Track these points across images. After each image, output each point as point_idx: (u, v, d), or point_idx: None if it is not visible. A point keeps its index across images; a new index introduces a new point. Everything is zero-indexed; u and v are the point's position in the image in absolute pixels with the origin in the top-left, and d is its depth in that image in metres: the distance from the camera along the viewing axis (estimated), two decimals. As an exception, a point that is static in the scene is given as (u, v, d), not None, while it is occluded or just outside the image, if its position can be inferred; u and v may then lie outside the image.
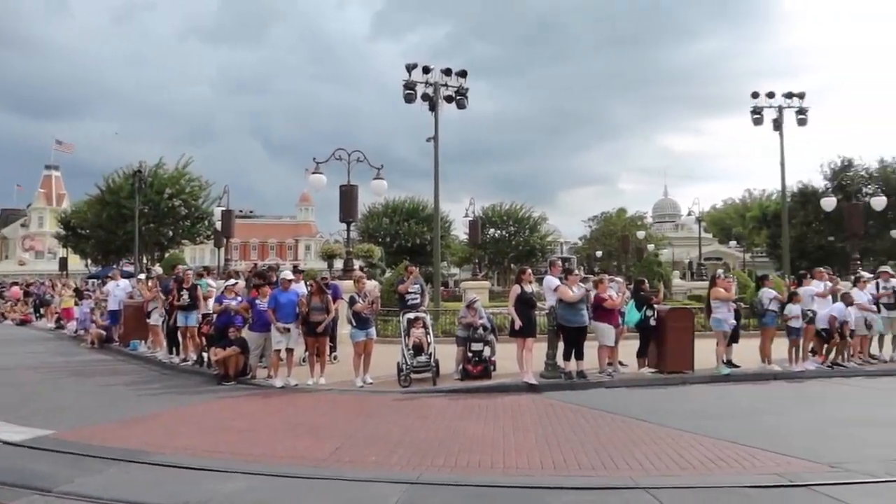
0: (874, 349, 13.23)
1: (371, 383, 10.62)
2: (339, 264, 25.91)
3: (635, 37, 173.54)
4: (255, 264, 27.04)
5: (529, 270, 11.55)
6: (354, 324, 10.90)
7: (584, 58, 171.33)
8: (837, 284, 13.75)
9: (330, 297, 11.32)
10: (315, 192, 20.72)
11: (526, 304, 10.83)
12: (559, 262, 12.47)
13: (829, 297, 12.67)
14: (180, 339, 13.30)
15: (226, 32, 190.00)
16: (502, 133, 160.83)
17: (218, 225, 26.35)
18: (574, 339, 10.82)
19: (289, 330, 10.77)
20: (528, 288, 11.01)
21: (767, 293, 12.29)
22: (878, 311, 13.07)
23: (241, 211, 68.39)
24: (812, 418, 8.20)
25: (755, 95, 23.36)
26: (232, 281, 12.99)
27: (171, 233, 42.86)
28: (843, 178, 42.23)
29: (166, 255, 39.57)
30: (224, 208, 24.67)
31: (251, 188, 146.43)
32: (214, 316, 12.00)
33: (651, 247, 54.31)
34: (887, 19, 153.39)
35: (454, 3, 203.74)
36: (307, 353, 11.52)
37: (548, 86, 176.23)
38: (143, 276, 17.84)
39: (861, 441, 6.87)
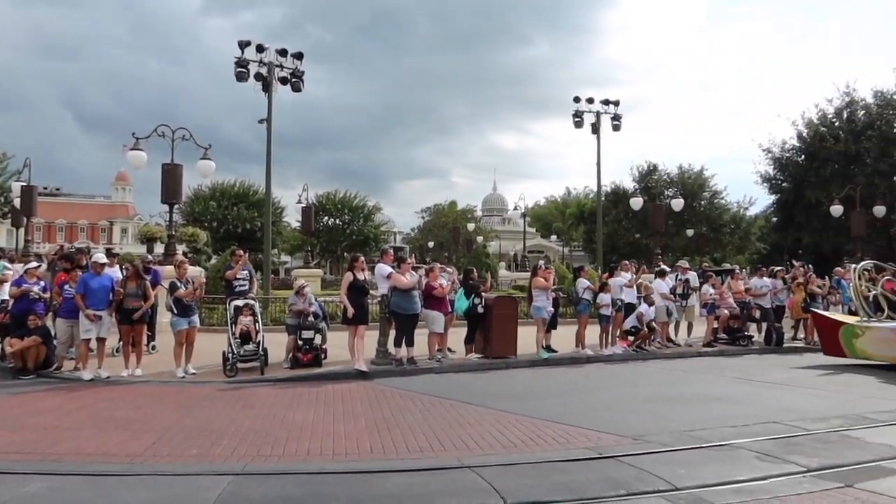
0: (671, 334, 14.79)
1: (194, 373, 10.08)
2: (160, 248, 24.24)
3: (469, 37, 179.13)
4: (61, 246, 24.49)
5: (362, 258, 11.55)
6: (176, 311, 10.25)
7: (420, 53, 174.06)
8: (641, 275, 15.16)
9: (148, 283, 10.57)
10: (134, 170, 19.17)
11: (359, 292, 10.83)
12: (391, 251, 12.61)
13: (635, 287, 13.97)
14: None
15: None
16: (339, 121, 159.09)
17: (17, 202, 23.52)
18: (406, 327, 11.01)
19: (100, 318, 9.89)
20: (361, 276, 11.01)
21: (582, 283, 13.28)
22: (675, 300, 14.65)
23: (45, 188, 61.76)
24: (619, 397, 8.99)
25: (576, 100, 25.05)
26: (34, 263, 11.70)
27: (-43, 210, 37.70)
28: (649, 181, 46.62)
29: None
30: (25, 184, 22.04)
31: (60, 164, 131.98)
32: (11, 302, 10.73)
33: (480, 239, 56.56)
34: (688, 48, 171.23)
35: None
36: (121, 343, 10.68)
37: (385, 77, 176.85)
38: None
39: (659, 416, 7.64)
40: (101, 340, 10.08)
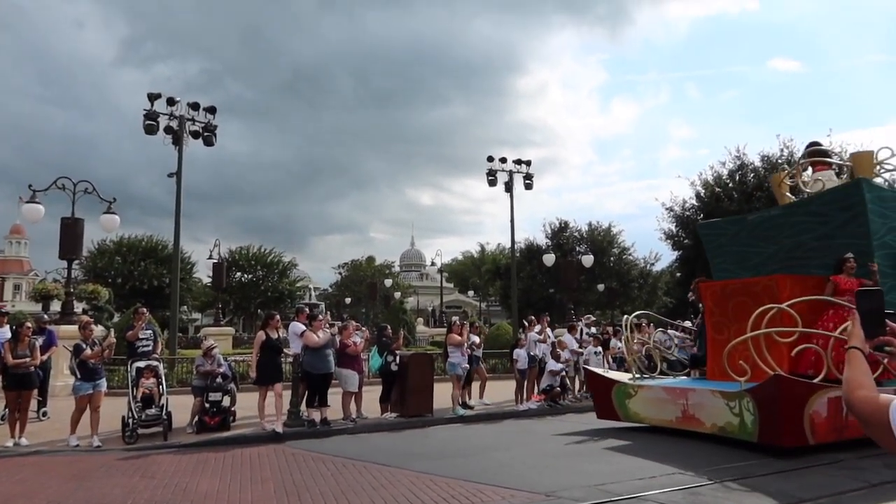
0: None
1: (99, 446, 9.26)
2: (57, 307, 22.87)
3: (387, 96, 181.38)
4: (-56, 306, 22.68)
5: (277, 316, 11.28)
6: (79, 375, 9.57)
7: (339, 109, 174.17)
8: (546, 327, 15.15)
9: (37, 344, 9.91)
10: (30, 224, 18.21)
11: (272, 351, 10.57)
12: (307, 310, 12.41)
13: (548, 342, 14.22)
14: None
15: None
16: (256, 175, 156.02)
17: None
18: (319, 386, 10.76)
19: None
20: (275, 334, 10.75)
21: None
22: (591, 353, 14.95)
23: (-72, 242, 57.49)
24: (533, 453, 9.03)
25: (490, 159, 25.79)
26: None
27: None
28: (561, 238, 48.09)
29: None
30: None
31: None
32: None
33: (398, 294, 56.33)
34: (593, 113, 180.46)
35: (210, 39, 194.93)
36: (6, 411, 9.90)
37: (303, 133, 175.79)
38: None
39: (571, 471, 7.73)
40: (-17, 408, 9.32)
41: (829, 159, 12.42)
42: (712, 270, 12.63)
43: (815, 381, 8.21)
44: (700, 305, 12.00)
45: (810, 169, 12.00)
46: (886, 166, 11.47)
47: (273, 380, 10.46)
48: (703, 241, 12.70)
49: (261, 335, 10.70)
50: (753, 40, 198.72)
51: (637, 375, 11.25)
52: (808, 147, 12.37)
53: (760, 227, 11.38)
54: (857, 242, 9.79)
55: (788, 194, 12.46)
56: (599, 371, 12.21)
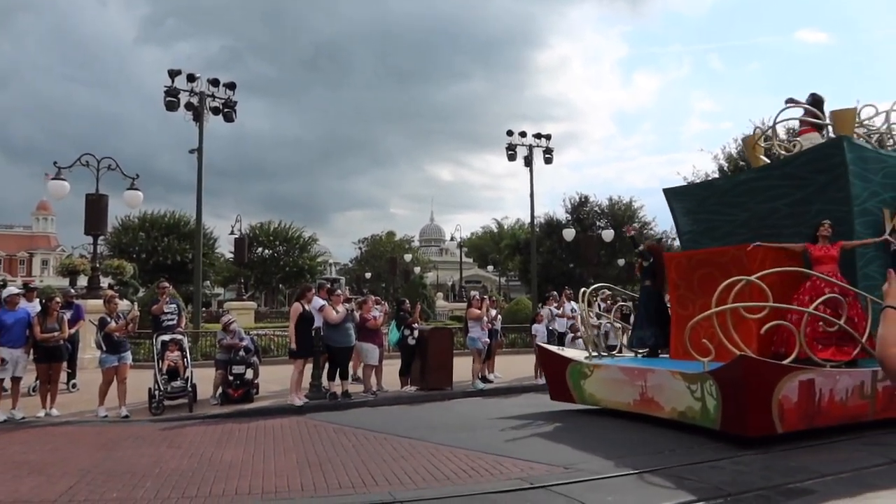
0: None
1: (127, 416, 9.47)
2: (83, 282, 23.30)
3: (407, 72, 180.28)
4: (-25, 281, 23.19)
5: (313, 289, 11.40)
6: (105, 348, 9.77)
7: (359, 86, 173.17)
8: (564, 301, 15.11)
9: (65, 318, 10.11)
10: (56, 200, 18.55)
11: (308, 324, 10.72)
12: (327, 285, 12.53)
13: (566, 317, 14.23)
14: None
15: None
16: (276, 152, 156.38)
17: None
18: (340, 360, 10.89)
19: (5, 362, 9.31)
20: (309, 307, 10.88)
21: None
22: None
23: (-43, 218, 58.64)
24: (552, 425, 9.08)
25: (510, 134, 25.61)
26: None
27: None
28: (581, 212, 47.76)
29: None
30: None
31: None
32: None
33: (417, 269, 56.52)
34: (614, 86, 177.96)
35: (231, 17, 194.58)
36: (38, 382, 10.15)
37: (323, 110, 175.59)
38: None
39: (589, 443, 7.74)
40: (15, 380, 9.54)
41: (815, 120, 10.49)
42: (679, 240, 11.62)
43: (786, 362, 7.40)
44: (643, 267, 10.91)
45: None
46: (868, 125, 10.40)
47: (308, 354, 10.68)
48: (670, 208, 11.42)
49: (297, 307, 10.80)
50: (779, 11, 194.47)
51: (593, 354, 10.45)
52: (807, 100, 10.62)
53: (731, 193, 10.35)
54: (837, 209, 8.88)
55: (763, 157, 11.53)
56: (553, 348, 11.26)
